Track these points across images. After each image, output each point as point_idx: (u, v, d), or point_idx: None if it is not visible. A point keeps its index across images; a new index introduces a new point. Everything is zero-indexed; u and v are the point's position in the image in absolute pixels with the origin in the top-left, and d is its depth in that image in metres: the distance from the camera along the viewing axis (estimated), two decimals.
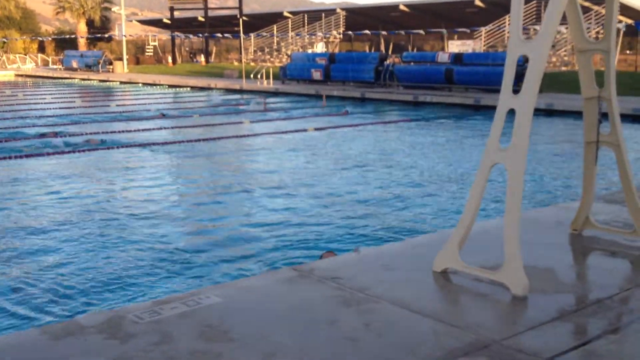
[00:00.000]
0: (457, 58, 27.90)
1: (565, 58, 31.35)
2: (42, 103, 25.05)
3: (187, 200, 9.21)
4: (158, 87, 35.88)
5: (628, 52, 38.00)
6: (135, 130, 16.47)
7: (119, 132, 16.22)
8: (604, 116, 4.78)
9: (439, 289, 4.19)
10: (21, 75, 48.17)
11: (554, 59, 31.36)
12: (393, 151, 13.50)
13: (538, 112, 19.63)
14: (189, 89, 34.18)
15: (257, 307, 3.75)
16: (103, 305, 5.13)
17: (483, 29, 35.29)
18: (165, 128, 17.08)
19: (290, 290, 4.05)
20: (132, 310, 3.61)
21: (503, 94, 4.24)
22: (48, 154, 12.71)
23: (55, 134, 15.46)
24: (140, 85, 37.50)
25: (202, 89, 33.55)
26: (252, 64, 41.84)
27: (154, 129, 16.70)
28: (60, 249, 6.62)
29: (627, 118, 17.86)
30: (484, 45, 35.13)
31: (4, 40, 61.55)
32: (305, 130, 16.18)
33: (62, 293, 5.41)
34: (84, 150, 13.19)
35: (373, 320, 3.59)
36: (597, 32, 28.90)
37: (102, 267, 6.01)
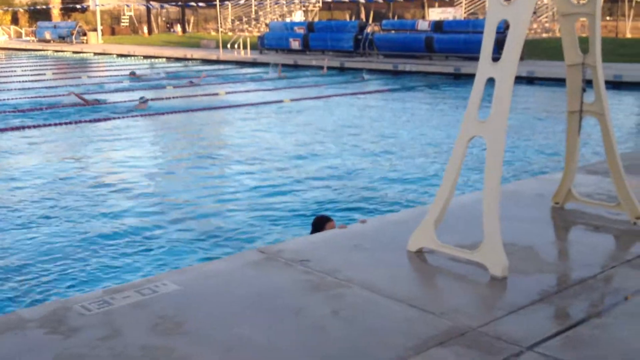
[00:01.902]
0: (438, 26, 27.50)
1: (547, 25, 31.02)
2: (13, 76, 24.38)
3: (154, 174, 8.82)
4: (133, 58, 35.12)
5: (608, 18, 37.73)
6: (108, 103, 15.99)
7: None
8: (588, 84, 4.52)
9: (413, 270, 3.94)
10: None
11: (534, 26, 31.03)
12: (371, 122, 13.22)
13: (519, 80, 19.41)
14: (164, 59, 33.49)
15: (218, 295, 3.49)
16: (53, 292, 4.83)
17: None
18: (138, 100, 16.60)
19: (256, 275, 3.78)
20: (80, 300, 3.33)
21: (482, 62, 3.96)
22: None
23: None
24: (114, 56, 36.68)
25: (178, 59, 32.88)
26: (230, 33, 41.01)
27: (125, 101, 16.22)
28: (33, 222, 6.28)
29: (607, 85, 17.67)
30: (465, 13, 34.68)
31: None
32: (281, 101, 15.82)
33: (18, 277, 5.10)
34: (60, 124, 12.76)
35: (342, 306, 3.34)
36: None
37: (56, 248, 5.67)
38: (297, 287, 3.59)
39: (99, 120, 13.32)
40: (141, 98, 15.00)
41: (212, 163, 9.49)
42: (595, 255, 4.09)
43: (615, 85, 17.69)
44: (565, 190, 4.93)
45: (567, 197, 4.96)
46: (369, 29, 29.84)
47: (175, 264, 5.16)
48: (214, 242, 5.87)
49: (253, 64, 29.09)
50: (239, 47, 32.83)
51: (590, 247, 4.26)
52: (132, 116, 13.78)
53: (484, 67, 3.92)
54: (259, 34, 35.98)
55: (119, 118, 13.58)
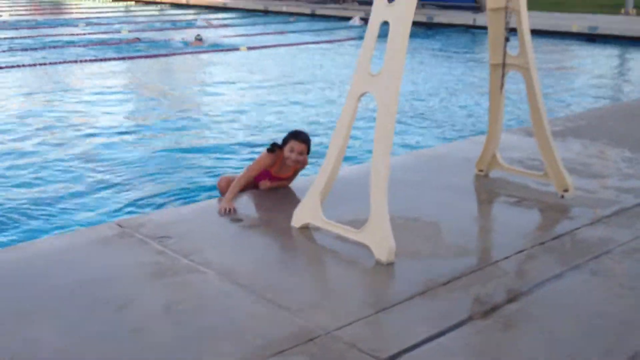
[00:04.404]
0: None
1: None
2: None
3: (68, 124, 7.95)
4: (99, 0, 33.70)
5: None
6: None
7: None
8: (512, 32, 3.88)
9: (288, 252, 3.35)
10: None
11: None
12: (335, 72, 12.47)
13: (482, 29, 18.59)
14: (133, 2, 32.14)
15: (32, 283, 2.87)
16: None
17: None
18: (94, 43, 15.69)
19: (98, 256, 3.18)
20: None
21: (376, 3, 3.30)
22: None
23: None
24: None
25: (147, 3, 31.56)
26: None
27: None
28: None
29: (582, 37, 17.08)
30: None
31: None
32: (237, 49, 14.94)
33: None
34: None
35: (182, 299, 2.75)
36: None
37: None
38: (138, 273, 2.99)
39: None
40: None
41: (155, 115, 8.75)
42: (507, 235, 3.52)
43: (590, 37, 16.96)
44: (489, 156, 4.34)
45: (492, 164, 4.37)
46: None
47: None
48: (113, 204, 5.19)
49: (224, 9, 27.94)
50: None
51: (505, 225, 3.70)
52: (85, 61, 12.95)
53: (378, 8, 3.26)
54: None
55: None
